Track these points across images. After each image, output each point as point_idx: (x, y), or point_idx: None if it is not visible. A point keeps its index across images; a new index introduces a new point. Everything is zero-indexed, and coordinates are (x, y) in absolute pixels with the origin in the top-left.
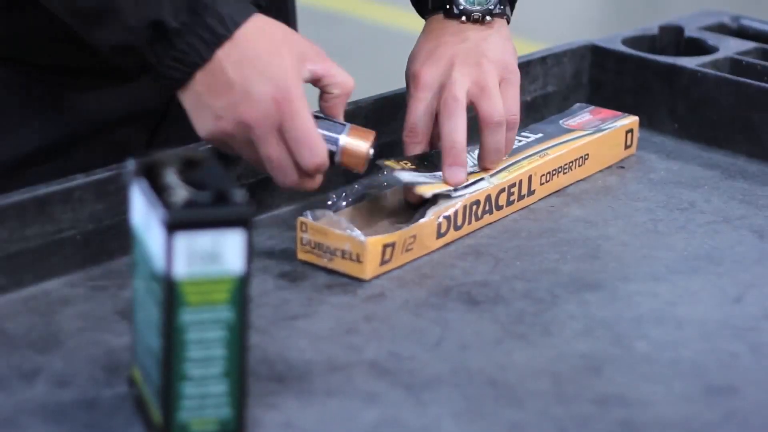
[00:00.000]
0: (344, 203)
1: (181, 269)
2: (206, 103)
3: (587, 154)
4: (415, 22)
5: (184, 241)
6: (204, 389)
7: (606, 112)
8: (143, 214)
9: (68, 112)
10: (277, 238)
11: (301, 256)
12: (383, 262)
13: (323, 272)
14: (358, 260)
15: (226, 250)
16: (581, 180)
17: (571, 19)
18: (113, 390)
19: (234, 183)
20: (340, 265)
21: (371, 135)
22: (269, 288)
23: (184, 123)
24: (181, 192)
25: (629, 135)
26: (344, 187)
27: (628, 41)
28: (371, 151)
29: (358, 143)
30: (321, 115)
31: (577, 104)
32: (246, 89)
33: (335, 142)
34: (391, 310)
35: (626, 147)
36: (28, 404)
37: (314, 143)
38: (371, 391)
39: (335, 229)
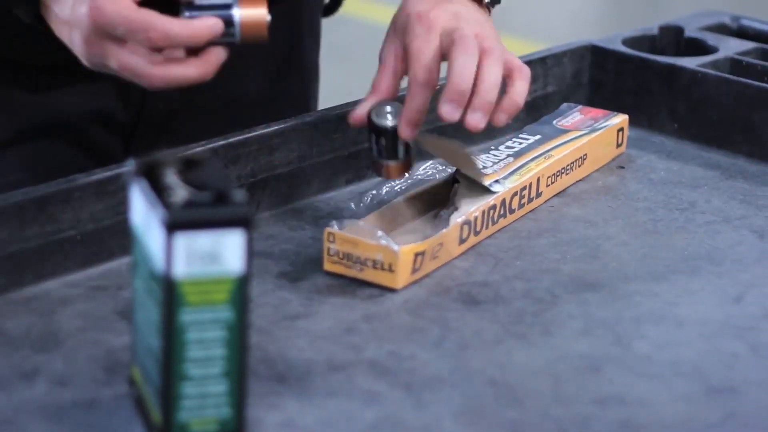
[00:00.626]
0: (363, 210)
1: (180, 269)
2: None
3: (585, 155)
4: None
5: (184, 241)
6: (204, 389)
7: (595, 111)
8: (143, 214)
9: (28, 107)
10: (277, 238)
11: (328, 267)
12: (414, 271)
13: (323, 272)
14: (390, 270)
15: (226, 251)
16: (581, 180)
17: (571, 19)
18: (113, 390)
19: (234, 183)
20: (370, 275)
21: None
22: (269, 288)
23: (159, 134)
24: (180, 192)
25: (620, 134)
26: (360, 194)
27: (628, 41)
28: (269, 16)
29: (255, 12)
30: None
31: (565, 104)
32: (66, 18)
33: (230, 19)
34: (390, 310)
35: (617, 146)
36: (27, 404)
37: (160, 28)
38: (371, 390)
39: (365, 238)
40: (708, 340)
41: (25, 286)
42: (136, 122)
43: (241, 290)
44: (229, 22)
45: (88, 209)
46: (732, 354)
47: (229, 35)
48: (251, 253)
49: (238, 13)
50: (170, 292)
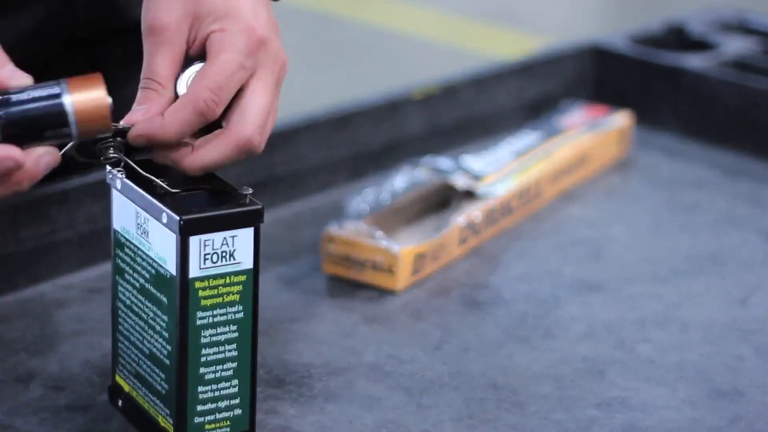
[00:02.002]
0: (363, 211)
1: (195, 272)
2: None
3: (588, 154)
4: (414, 22)
5: (199, 243)
6: (218, 391)
7: (597, 109)
8: (136, 217)
9: None
10: (276, 239)
11: (328, 269)
12: (414, 273)
13: (322, 274)
14: (390, 271)
15: (237, 249)
16: (584, 180)
17: (574, 13)
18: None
19: (229, 183)
20: (370, 277)
21: (96, 77)
22: (268, 290)
23: None
24: (182, 193)
25: (623, 133)
26: (360, 194)
27: (632, 39)
28: (110, 99)
29: (92, 94)
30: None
31: (567, 102)
32: None
33: (58, 109)
34: (390, 312)
35: (620, 145)
36: (23, 408)
37: None
38: (371, 394)
39: (365, 239)
40: (712, 342)
41: (19, 288)
42: None
43: (251, 288)
44: (59, 120)
45: (84, 210)
46: (737, 357)
47: (62, 134)
48: (259, 249)
49: (72, 101)
50: (186, 295)
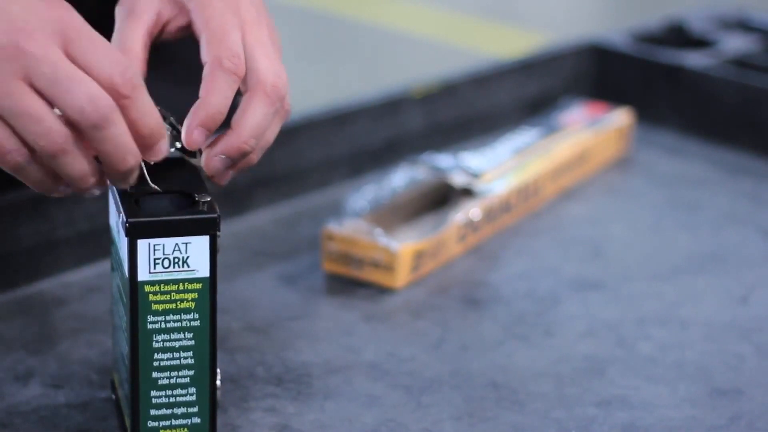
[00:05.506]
0: (362, 208)
1: (144, 275)
2: None
3: (588, 151)
4: (413, 21)
5: (147, 247)
6: (172, 398)
7: (597, 106)
8: (116, 214)
9: None
10: (275, 237)
11: (327, 266)
12: (413, 270)
13: (321, 273)
14: (390, 269)
15: (191, 256)
16: (583, 178)
17: (571, 8)
18: (108, 392)
19: (204, 185)
20: (369, 274)
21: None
22: (267, 288)
23: None
24: (147, 196)
25: (625, 130)
26: (359, 192)
27: (632, 37)
28: None
29: None
30: None
31: (567, 99)
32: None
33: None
34: (390, 310)
35: (621, 142)
36: (21, 407)
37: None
38: (370, 393)
39: (365, 237)
40: (713, 341)
41: (18, 286)
42: None
43: (207, 296)
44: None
45: (83, 208)
46: (737, 355)
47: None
48: (216, 258)
49: None
50: (135, 298)
